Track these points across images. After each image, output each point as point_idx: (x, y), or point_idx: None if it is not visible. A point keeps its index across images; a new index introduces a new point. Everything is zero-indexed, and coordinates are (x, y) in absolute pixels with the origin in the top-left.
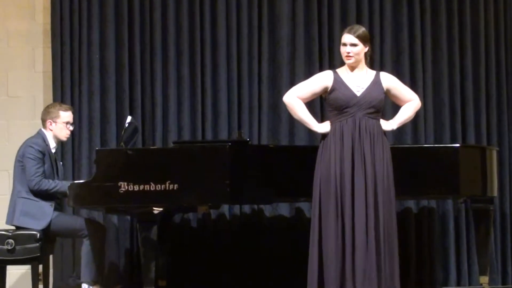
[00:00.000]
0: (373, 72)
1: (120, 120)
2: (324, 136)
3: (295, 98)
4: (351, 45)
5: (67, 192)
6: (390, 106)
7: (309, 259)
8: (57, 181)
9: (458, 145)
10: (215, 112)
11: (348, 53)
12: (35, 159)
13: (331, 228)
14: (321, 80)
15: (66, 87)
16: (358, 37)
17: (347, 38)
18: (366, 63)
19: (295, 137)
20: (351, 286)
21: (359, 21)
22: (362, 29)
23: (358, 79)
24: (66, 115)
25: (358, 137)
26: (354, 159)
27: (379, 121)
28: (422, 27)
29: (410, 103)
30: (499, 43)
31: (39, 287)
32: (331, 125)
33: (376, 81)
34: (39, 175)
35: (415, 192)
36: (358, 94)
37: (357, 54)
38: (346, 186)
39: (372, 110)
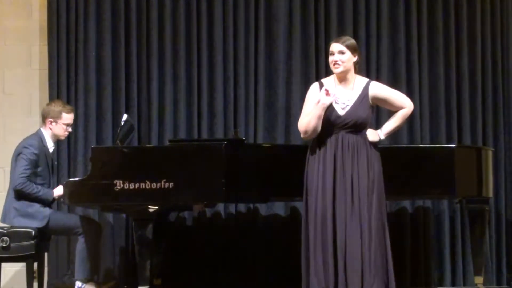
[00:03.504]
0: (362, 83)
1: (116, 118)
2: (311, 150)
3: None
4: (339, 52)
5: (49, 200)
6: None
7: (301, 259)
8: (41, 187)
9: (453, 145)
10: (211, 111)
11: (336, 61)
12: (27, 160)
13: (318, 237)
14: (314, 98)
15: (62, 85)
16: (346, 45)
17: (335, 46)
18: (355, 72)
19: (291, 136)
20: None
21: (355, 21)
22: (351, 40)
23: (344, 93)
24: (68, 117)
25: (340, 153)
26: (336, 173)
27: (364, 134)
28: (418, 27)
29: (402, 112)
30: (495, 44)
31: (34, 284)
32: (317, 138)
33: (364, 96)
34: (25, 176)
35: (411, 192)
36: (342, 113)
37: (345, 62)
38: (327, 197)
39: (356, 128)
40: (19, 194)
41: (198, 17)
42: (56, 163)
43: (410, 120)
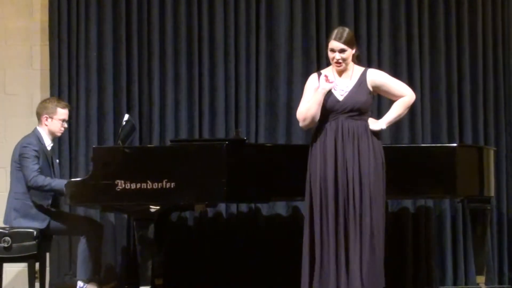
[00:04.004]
0: (360, 71)
1: (118, 118)
2: (312, 139)
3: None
4: (340, 51)
5: (63, 190)
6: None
7: (302, 259)
8: (54, 178)
9: (455, 144)
10: (212, 111)
11: (338, 59)
12: (31, 157)
13: (317, 229)
14: (313, 86)
15: (63, 85)
16: (345, 42)
17: (335, 44)
18: (353, 62)
19: (292, 136)
20: (334, 285)
21: (356, 20)
22: (347, 32)
23: (342, 81)
24: (63, 112)
25: (340, 139)
26: (337, 161)
27: (365, 121)
28: (420, 26)
29: (402, 100)
30: (496, 43)
31: (36, 284)
32: (318, 126)
33: (361, 82)
34: (35, 170)
35: (412, 192)
36: (341, 98)
37: (346, 59)
38: (329, 188)
39: (356, 113)
40: (34, 192)
41: (199, 17)
42: (57, 160)
43: (411, 119)
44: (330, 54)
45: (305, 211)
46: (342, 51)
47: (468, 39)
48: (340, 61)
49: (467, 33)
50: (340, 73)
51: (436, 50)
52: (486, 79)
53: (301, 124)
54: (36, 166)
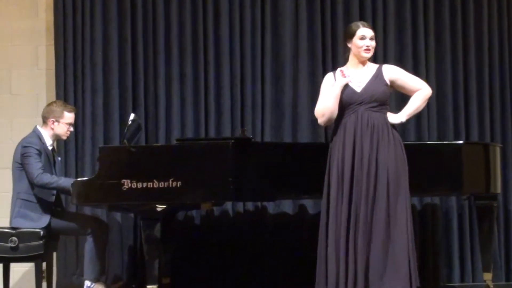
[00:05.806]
0: (375, 66)
1: (123, 117)
2: (332, 135)
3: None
4: (371, 38)
5: (69, 189)
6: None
7: (317, 257)
8: (60, 176)
9: (461, 142)
10: (218, 109)
11: (368, 46)
12: (33, 155)
13: (332, 227)
14: (329, 84)
15: (69, 85)
16: (372, 30)
17: (367, 31)
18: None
19: (298, 134)
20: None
21: (362, 18)
22: None
23: (359, 75)
24: (69, 116)
25: (359, 131)
26: (355, 154)
27: (384, 114)
28: (425, 24)
29: (419, 93)
30: (502, 40)
31: (43, 284)
32: (338, 122)
33: (378, 74)
34: (39, 168)
35: (419, 189)
36: (359, 90)
37: (373, 47)
38: (346, 182)
39: (375, 103)
40: (38, 191)
41: (204, 16)
42: (59, 158)
43: (417, 116)
44: (360, 42)
45: (322, 206)
46: (372, 39)
47: (473, 36)
48: (370, 48)
49: (472, 30)
50: (357, 66)
51: (442, 47)
52: (492, 76)
53: (319, 120)
54: (40, 164)
